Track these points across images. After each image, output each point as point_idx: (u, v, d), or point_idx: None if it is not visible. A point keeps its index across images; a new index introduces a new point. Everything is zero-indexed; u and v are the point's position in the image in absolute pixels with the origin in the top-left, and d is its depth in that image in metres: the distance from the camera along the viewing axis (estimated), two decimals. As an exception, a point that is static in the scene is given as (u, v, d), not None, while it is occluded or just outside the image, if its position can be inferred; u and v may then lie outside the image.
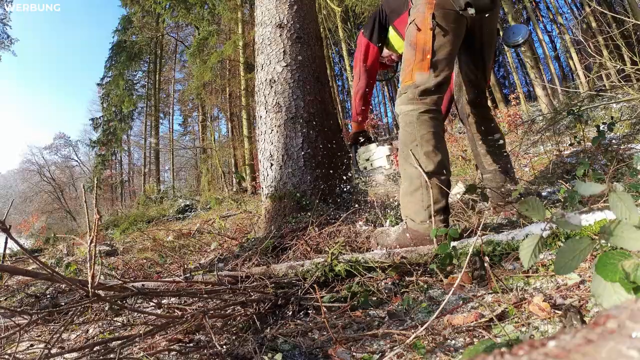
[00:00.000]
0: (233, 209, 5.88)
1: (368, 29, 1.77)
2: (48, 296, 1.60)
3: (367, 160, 1.92)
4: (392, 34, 1.74)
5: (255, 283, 1.24)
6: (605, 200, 1.11)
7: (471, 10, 1.28)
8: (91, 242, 0.58)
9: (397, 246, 1.32)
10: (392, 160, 1.80)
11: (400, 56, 1.72)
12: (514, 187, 1.63)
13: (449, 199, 1.35)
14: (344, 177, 2.22)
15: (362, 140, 1.97)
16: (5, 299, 1.74)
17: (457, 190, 2.07)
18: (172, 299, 1.25)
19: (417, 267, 1.18)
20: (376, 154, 1.86)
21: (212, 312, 0.96)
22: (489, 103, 1.93)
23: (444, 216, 1.30)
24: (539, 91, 9.29)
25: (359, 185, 2.04)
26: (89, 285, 0.60)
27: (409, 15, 1.47)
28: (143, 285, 1.19)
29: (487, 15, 1.36)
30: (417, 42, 1.37)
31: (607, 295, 0.44)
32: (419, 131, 1.34)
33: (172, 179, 20.26)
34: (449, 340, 0.76)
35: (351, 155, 1.96)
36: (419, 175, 1.30)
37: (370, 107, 2.07)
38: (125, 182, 24.13)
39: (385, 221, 1.67)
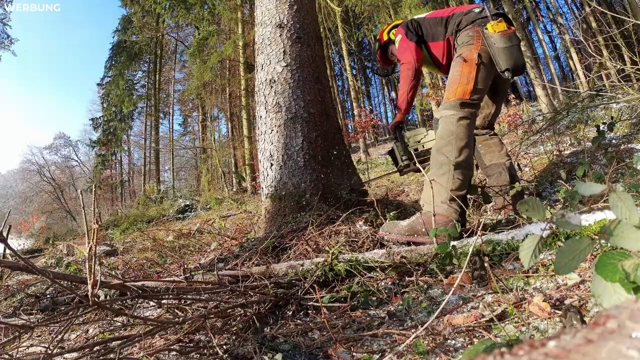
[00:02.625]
0: (233, 209, 5.88)
1: (412, 36, 1.97)
2: (48, 296, 1.60)
3: (419, 142, 2.14)
4: (424, 51, 2.02)
5: (255, 283, 1.24)
6: (605, 200, 1.11)
7: (508, 74, 1.61)
8: (90, 249, 0.58)
9: (409, 232, 1.44)
10: None
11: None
12: (511, 185, 1.68)
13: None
14: (344, 177, 2.22)
15: (403, 128, 2.18)
16: (5, 299, 1.74)
17: None
18: (173, 300, 1.24)
19: (417, 267, 1.18)
20: (428, 137, 2.12)
21: (212, 316, 0.95)
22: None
23: (461, 205, 1.44)
24: (539, 91, 9.29)
25: (402, 169, 2.19)
26: (89, 294, 0.60)
27: (454, 51, 1.80)
28: (143, 285, 1.19)
29: None
30: (462, 71, 1.67)
31: (607, 295, 0.44)
32: (456, 129, 1.57)
33: (172, 179, 20.26)
34: (449, 340, 0.76)
35: (397, 139, 2.13)
36: (448, 163, 1.50)
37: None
38: (125, 182, 24.12)
39: (386, 219, 1.67)
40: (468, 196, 1.80)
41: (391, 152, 2.14)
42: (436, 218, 1.41)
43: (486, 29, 1.66)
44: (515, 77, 1.96)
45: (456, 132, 1.57)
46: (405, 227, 1.45)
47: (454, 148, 1.54)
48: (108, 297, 1.37)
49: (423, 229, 1.41)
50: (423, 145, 2.11)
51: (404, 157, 2.06)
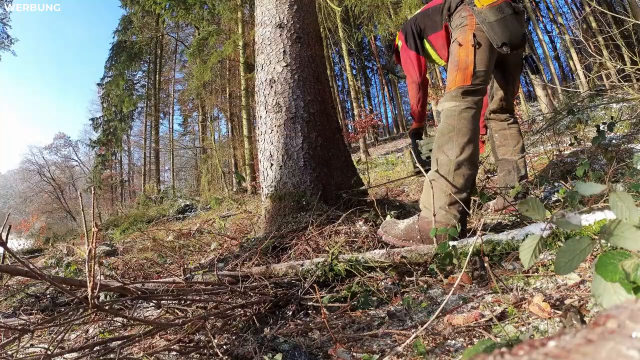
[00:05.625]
0: (233, 209, 5.88)
1: (411, 42, 1.93)
2: (48, 296, 1.60)
3: (431, 150, 2.06)
4: (427, 46, 1.95)
5: (255, 283, 1.24)
6: (605, 200, 1.11)
7: (506, 49, 1.49)
8: (90, 252, 0.58)
9: (405, 236, 1.38)
10: None
11: (433, 62, 2.01)
12: (511, 186, 1.67)
13: None
14: (344, 177, 2.22)
15: (419, 135, 2.17)
16: (5, 299, 1.74)
17: None
18: (172, 300, 1.24)
19: (417, 267, 1.18)
20: None
21: (212, 316, 0.95)
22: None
23: (462, 208, 1.36)
24: (539, 91, 9.29)
25: (415, 174, 2.22)
26: (89, 298, 0.60)
27: (451, 37, 1.67)
28: (143, 285, 1.19)
29: None
30: (459, 57, 1.55)
31: (607, 295, 0.44)
32: (458, 123, 1.45)
33: (172, 179, 20.27)
34: (449, 340, 0.76)
35: (412, 147, 2.13)
36: (449, 163, 1.39)
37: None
38: (125, 182, 24.12)
39: (386, 219, 1.67)
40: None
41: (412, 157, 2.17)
42: (434, 225, 1.32)
43: (475, 5, 1.54)
44: (525, 51, 1.89)
45: (458, 127, 1.45)
46: (401, 232, 1.40)
47: (455, 145, 1.42)
48: (108, 298, 1.37)
49: (418, 236, 1.35)
50: None
51: (415, 165, 2.05)
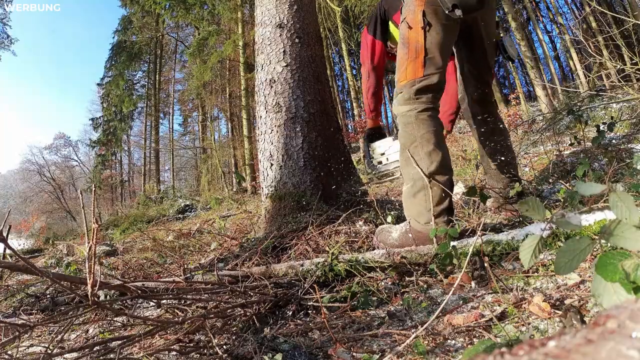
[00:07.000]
0: (233, 209, 5.88)
1: (371, 26, 1.80)
2: (48, 296, 1.60)
3: (382, 154, 1.89)
4: (392, 27, 1.77)
5: (255, 283, 1.24)
6: (605, 200, 1.11)
7: (458, 12, 1.27)
8: (90, 250, 0.58)
9: (400, 246, 1.32)
10: None
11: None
12: (512, 186, 1.60)
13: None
14: (344, 177, 2.22)
15: (376, 136, 1.98)
16: (5, 299, 1.74)
17: (457, 190, 2.07)
18: (173, 300, 1.25)
19: (417, 267, 1.18)
20: (392, 148, 1.83)
21: (212, 315, 0.95)
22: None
23: (447, 217, 1.29)
24: (539, 91, 9.29)
25: (369, 181, 1.98)
26: (89, 294, 0.60)
27: (401, 13, 1.45)
28: (143, 285, 1.19)
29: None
30: (409, 41, 1.36)
31: (607, 295, 0.44)
32: (418, 131, 1.33)
33: (172, 179, 20.27)
34: (449, 340, 0.76)
35: (364, 150, 1.94)
36: (421, 177, 1.29)
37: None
38: (125, 182, 24.13)
39: (386, 219, 1.66)
40: (467, 197, 1.73)
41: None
42: (424, 240, 1.28)
43: None
44: (500, 35, 1.59)
45: (420, 135, 1.32)
46: (395, 242, 1.36)
47: (424, 156, 1.31)
48: (108, 297, 1.37)
49: (414, 245, 1.29)
50: (387, 158, 1.86)
51: (368, 171, 1.88)
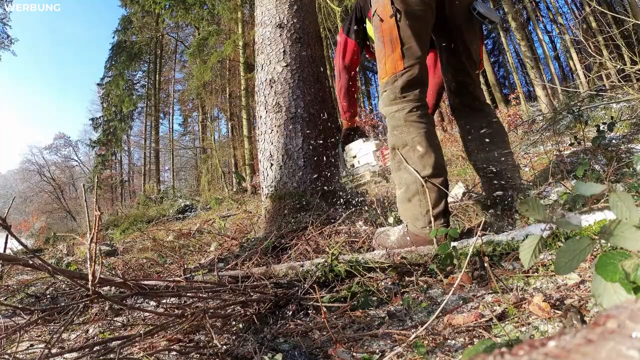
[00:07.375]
0: (233, 209, 5.88)
1: (346, 26, 1.77)
2: (48, 296, 1.60)
3: (354, 157, 1.83)
4: (368, 25, 1.69)
5: (255, 283, 1.24)
6: (605, 200, 1.11)
7: None
8: (92, 240, 0.58)
9: (398, 248, 1.31)
10: (378, 157, 1.72)
11: None
12: (515, 195, 1.45)
13: (448, 199, 1.34)
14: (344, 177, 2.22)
15: (354, 137, 1.93)
16: (5, 299, 1.74)
17: (456, 190, 2.07)
18: (172, 299, 1.25)
19: (417, 267, 1.18)
20: (362, 151, 1.77)
21: (212, 311, 0.95)
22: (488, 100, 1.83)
23: (444, 219, 1.27)
24: (539, 91, 9.28)
25: (344, 185, 1.89)
26: (90, 282, 0.60)
27: (370, 6, 1.39)
28: (143, 284, 1.19)
29: None
30: (383, 34, 1.30)
31: (607, 295, 0.44)
32: (408, 134, 1.29)
33: (172, 179, 20.27)
34: (449, 340, 0.76)
35: (338, 153, 1.88)
36: (415, 181, 1.26)
37: (357, 104, 1.99)
38: (125, 182, 24.12)
39: (387, 219, 1.66)
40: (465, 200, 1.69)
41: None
42: (422, 242, 1.27)
43: None
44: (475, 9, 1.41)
45: (410, 137, 1.28)
46: (394, 245, 1.34)
47: (416, 159, 1.26)
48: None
49: (413, 248, 1.28)
50: (359, 161, 1.80)
51: (342, 174, 1.81)
